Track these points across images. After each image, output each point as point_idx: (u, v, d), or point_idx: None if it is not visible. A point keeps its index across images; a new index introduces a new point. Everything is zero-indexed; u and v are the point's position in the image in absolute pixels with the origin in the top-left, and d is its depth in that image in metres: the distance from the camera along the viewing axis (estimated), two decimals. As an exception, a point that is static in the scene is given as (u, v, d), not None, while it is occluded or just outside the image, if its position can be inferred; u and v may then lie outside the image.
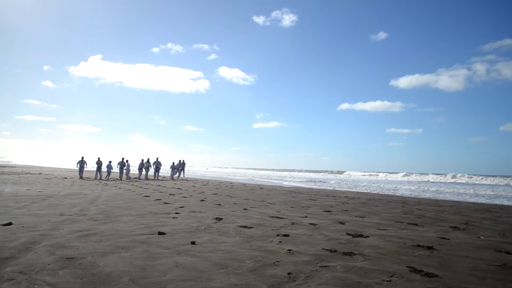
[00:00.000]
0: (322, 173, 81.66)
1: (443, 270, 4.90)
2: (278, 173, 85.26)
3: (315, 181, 41.01)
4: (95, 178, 30.06)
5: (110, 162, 32.90)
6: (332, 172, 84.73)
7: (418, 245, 6.39)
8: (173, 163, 37.52)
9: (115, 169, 33.44)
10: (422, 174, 62.34)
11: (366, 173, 73.60)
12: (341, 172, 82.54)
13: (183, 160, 38.39)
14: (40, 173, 34.11)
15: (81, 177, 29.42)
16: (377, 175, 68.68)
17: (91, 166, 32.24)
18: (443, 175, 56.13)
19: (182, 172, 37.94)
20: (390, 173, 68.97)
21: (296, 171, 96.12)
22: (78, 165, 31.15)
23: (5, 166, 52.62)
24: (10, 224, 7.32)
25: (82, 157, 31.38)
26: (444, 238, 7.28)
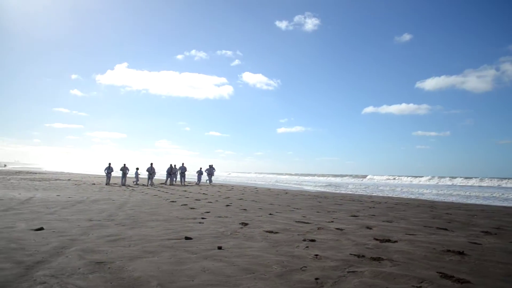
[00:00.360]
0: (346, 177, 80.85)
1: (475, 275, 4.79)
2: (302, 177, 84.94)
3: (337, 186, 40.67)
4: (121, 185, 29.61)
5: (137, 168, 32.99)
6: (356, 177, 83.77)
7: (449, 250, 6.26)
8: (200, 168, 36.95)
9: (143, 175, 33.44)
10: (450, 177, 61.08)
11: (390, 177, 72.59)
12: (364, 176, 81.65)
13: (212, 165, 37.42)
14: (69, 179, 34.85)
15: (107, 184, 29.16)
16: (398, 179, 67.61)
17: (117, 172, 32.12)
18: (472, 179, 54.94)
19: (210, 178, 36.83)
20: (417, 176, 67.81)
21: (319, 175, 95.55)
22: (106, 172, 30.91)
23: (36, 173, 54.01)
24: (41, 229, 7.51)
25: (109, 164, 31.21)
26: (475, 243, 7.11)
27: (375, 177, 76.97)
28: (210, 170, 36.91)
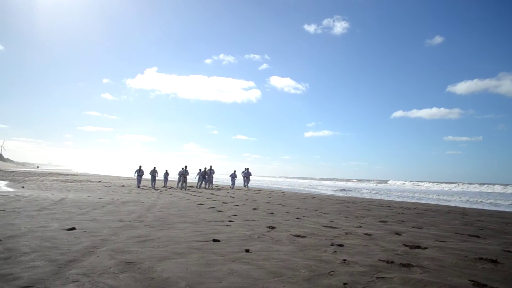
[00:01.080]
0: (372, 182, 79.59)
1: (509, 285, 4.65)
2: (325, 182, 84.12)
3: (354, 190, 40.14)
4: (152, 187, 29.20)
5: (166, 171, 32.70)
6: (382, 182, 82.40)
7: (481, 258, 6.09)
8: (234, 171, 35.20)
9: (171, 177, 33.11)
10: (483, 184, 59.45)
11: (417, 183, 71.11)
12: (385, 181, 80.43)
13: (248, 169, 34.86)
14: (99, 181, 35.60)
15: (138, 187, 28.69)
16: (426, 185, 66.13)
17: (148, 175, 31.61)
18: (507, 186, 53.28)
19: (247, 181, 34.46)
20: (447, 182, 66.26)
21: (342, 180, 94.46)
22: (136, 174, 30.25)
23: (68, 174, 55.41)
24: (73, 229, 7.71)
25: (140, 166, 30.55)
26: (509, 251, 6.89)
27: (399, 182, 75.58)
28: (247, 173, 34.71)
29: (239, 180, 36.56)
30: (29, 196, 15.72)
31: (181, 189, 28.58)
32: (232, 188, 32.34)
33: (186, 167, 30.40)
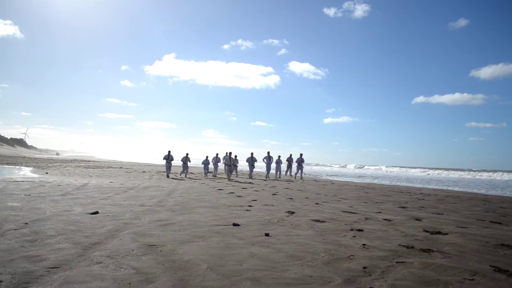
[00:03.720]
0: (393, 168, 78.69)
1: (531, 270, 4.59)
2: (344, 168, 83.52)
3: (374, 177, 39.84)
4: (183, 176, 25.41)
5: (207, 157, 27.56)
6: (399, 167, 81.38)
7: (503, 244, 6.03)
8: (279, 156, 28.51)
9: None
10: (506, 171, 58.29)
11: (432, 170, 70.09)
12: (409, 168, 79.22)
13: (291, 155, 28.57)
14: (121, 167, 36.15)
15: (168, 176, 24.56)
16: (448, 172, 65.11)
17: (178, 161, 26.80)
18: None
19: (301, 169, 27.72)
20: (469, 170, 65.20)
21: (359, 167, 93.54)
22: (166, 161, 25.54)
23: (89, 161, 56.38)
24: (96, 213, 7.88)
25: (169, 152, 25.77)
26: (532, 237, 6.80)
27: (417, 169, 74.53)
28: (300, 160, 27.84)
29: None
30: (53, 181, 16.08)
31: (229, 179, 23.27)
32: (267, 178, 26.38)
33: (217, 154, 27.77)
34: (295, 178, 27.71)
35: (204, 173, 27.24)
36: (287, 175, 29.22)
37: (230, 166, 24.83)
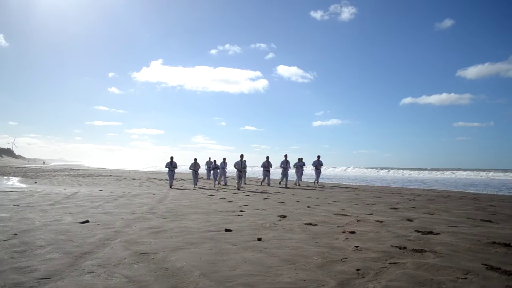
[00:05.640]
0: (383, 170, 79.10)
1: (523, 268, 4.63)
2: (335, 170, 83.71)
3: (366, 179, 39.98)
4: (219, 183, 23.35)
5: (214, 161, 24.64)
6: (389, 169, 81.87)
7: (494, 242, 6.07)
8: (299, 160, 24.64)
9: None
10: (494, 169, 58.92)
11: (422, 170, 70.63)
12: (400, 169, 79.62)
13: (302, 159, 24.80)
14: (110, 175, 35.86)
15: (171, 186, 21.46)
16: (436, 172, 65.61)
17: (182, 168, 24.55)
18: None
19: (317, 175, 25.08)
20: (459, 169, 65.74)
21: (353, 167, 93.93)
22: (168, 169, 21.85)
23: (79, 169, 55.90)
24: (87, 221, 7.80)
25: (172, 158, 21.96)
26: (522, 235, 6.86)
27: (407, 170, 74.99)
28: (318, 163, 25.08)
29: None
30: (42, 191, 15.89)
31: (239, 188, 20.00)
32: (295, 184, 24.03)
33: (225, 159, 24.62)
34: (315, 184, 24.78)
35: (213, 180, 23.80)
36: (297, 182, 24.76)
37: (241, 171, 21.00)
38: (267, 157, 23.44)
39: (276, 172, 27.81)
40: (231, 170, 26.92)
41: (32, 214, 8.83)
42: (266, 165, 23.52)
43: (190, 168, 23.56)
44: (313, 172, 25.94)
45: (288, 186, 22.55)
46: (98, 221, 7.93)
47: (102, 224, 7.62)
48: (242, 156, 21.11)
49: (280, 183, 23.85)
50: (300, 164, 24.62)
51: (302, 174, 24.93)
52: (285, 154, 23.76)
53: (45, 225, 7.33)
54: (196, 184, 22.61)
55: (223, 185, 23.60)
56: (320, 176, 25.90)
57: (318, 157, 25.00)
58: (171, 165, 21.84)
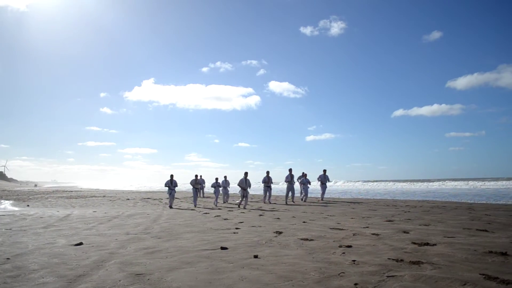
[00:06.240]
0: (378, 183, 79.15)
1: (520, 276, 4.62)
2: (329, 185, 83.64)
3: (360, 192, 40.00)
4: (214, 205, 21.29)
5: (216, 179, 23.34)
6: (385, 181, 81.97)
7: (491, 252, 6.07)
8: (290, 172, 22.65)
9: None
10: (488, 178, 59.17)
11: (415, 181, 70.74)
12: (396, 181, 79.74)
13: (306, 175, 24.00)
14: (104, 196, 35.59)
15: (171, 206, 20.34)
16: (428, 183, 65.74)
17: (183, 187, 23.49)
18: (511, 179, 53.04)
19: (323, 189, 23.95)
20: (452, 179, 65.99)
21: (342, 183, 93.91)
22: (168, 188, 20.92)
23: (71, 191, 55.40)
24: (81, 244, 7.70)
25: (172, 176, 21.08)
26: (518, 243, 6.87)
27: (402, 183, 75.15)
28: (325, 177, 23.97)
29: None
30: (34, 214, 15.70)
31: (245, 207, 18.92)
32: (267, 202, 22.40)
33: (226, 177, 23.82)
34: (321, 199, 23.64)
35: (216, 200, 22.14)
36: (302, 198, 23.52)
37: (246, 189, 19.58)
38: (267, 172, 22.28)
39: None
40: (234, 187, 25.50)
41: (25, 238, 8.71)
42: (267, 180, 22.18)
43: (191, 184, 22.48)
44: (319, 187, 24.61)
45: (294, 202, 22.04)
46: (92, 243, 7.83)
47: (96, 246, 7.53)
48: (246, 173, 19.99)
49: (286, 201, 21.95)
50: (306, 180, 23.62)
51: (307, 190, 23.66)
52: (289, 168, 22.88)
53: (38, 249, 7.23)
54: (196, 205, 21.01)
55: (223, 203, 22.76)
56: (309, 191, 24.44)
57: (324, 171, 23.93)
58: (171, 183, 20.86)
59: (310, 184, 24.15)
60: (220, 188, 23.15)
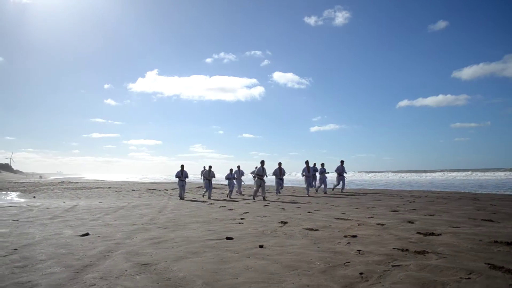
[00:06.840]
0: (383, 173, 79.01)
1: (526, 266, 4.62)
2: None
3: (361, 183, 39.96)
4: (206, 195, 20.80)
5: (231, 170, 21.53)
6: (389, 172, 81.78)
7: (496, 241, 6.06)
8: (307, 165, 21.57)
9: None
10: (493, 169, 58.93)
11: (420, 172, 70.61)
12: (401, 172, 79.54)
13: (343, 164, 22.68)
14: (109, 187, 35.77)
15: (183, 198, 19.64)
16: (431, 174, 65.59)
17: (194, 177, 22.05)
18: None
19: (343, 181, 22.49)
20: (457, 170, 65.76)
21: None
22: (178, 179, 20.46)
23: (77, 182, 55.72)
24: (87, 234, 7.75)
25: (182, 166, 20.71)
26: (524, 233, 6.86)
27: (407, 173, 74.98)
28: (342, 168, 22.60)
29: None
30: (41, 205, 15.81)
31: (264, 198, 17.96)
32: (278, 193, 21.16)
33: (239, 167, 22.73)
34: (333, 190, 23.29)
35: (229, 192, 20.64)
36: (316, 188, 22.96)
37: (262, 179, 18.45)
38: (279, 164, 20.55)
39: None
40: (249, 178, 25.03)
41: (32, 229, 8.78)
42: (279, 173, 20.51)
43: (203, 176, 21.60)
44: (334, 179, 23.18)
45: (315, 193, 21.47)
46: (98, 234, 7.89)
47: (102, 236, 7.58)
48: (263, 162, 18.79)
49: (308, 193, 20.81)
50: (323, 170, 22.43)
51: (342, 181, 22.49)
52: (306, 160, 21.64)
53: (45, 239, 7.28)
54: (210, 197, 19.93)
55: (237, 193, 22.42)
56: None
57: (342, 162, 22.58)
58: (182, 174, 20.39)
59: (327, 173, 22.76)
60: (234, 180, 21.64)
